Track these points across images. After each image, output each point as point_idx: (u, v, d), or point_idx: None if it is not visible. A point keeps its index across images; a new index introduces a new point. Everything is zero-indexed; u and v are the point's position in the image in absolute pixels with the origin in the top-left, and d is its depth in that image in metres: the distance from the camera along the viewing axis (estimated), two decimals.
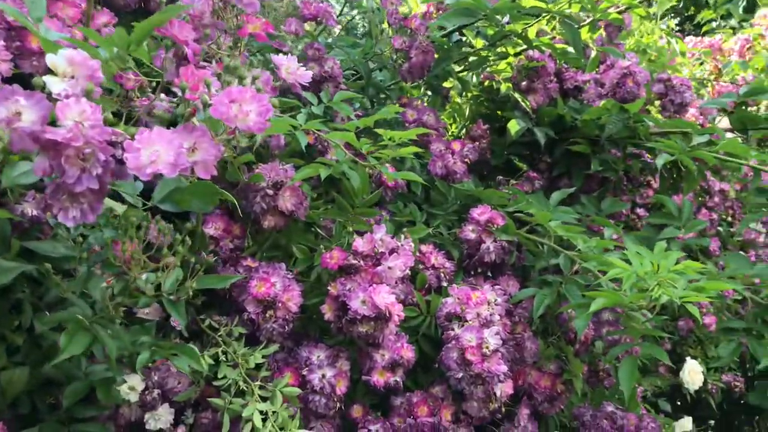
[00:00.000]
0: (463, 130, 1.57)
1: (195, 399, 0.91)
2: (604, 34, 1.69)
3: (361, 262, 0.90)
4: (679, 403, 2.31)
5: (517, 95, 1.52)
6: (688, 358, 2.02)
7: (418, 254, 1.09)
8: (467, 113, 1.59)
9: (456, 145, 1.21)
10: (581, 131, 1.52)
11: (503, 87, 1.51)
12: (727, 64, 2.15)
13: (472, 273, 1.13)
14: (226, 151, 0.66)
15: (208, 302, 0.96)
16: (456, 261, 1.14)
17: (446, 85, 1.67)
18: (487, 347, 0.93)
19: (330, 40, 1.43)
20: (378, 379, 0.92)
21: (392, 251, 0.91)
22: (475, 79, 1.64)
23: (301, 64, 0.81)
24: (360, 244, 0.90)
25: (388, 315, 0.87)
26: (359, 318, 0.86)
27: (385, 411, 1.02)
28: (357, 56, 1.27)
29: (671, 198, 1.34)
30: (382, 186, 1.14)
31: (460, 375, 0.93)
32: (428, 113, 1.26)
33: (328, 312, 0.91)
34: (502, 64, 1.52)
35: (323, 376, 0.91)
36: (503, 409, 1.02)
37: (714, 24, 3.81)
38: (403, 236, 0.97)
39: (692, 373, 1.97)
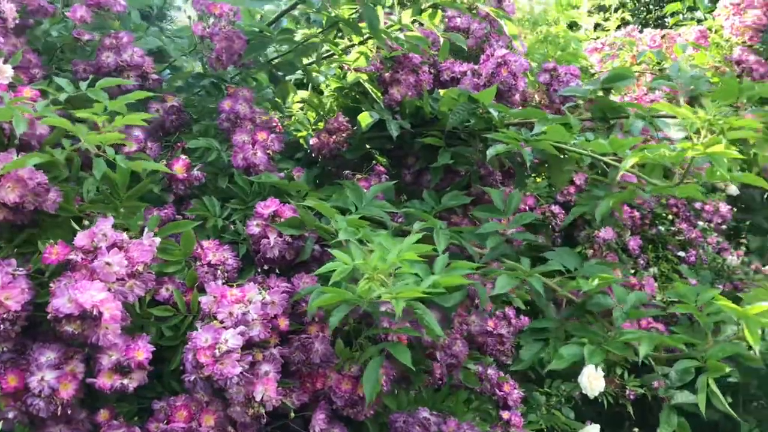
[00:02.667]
0: (320, 123, 1.51)
1: None
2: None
3: (80, 257, 0.85)
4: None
5: (368, 86, 1.45)
6: (591, 365, 1.93)
7: (198, 250, 1.04)
8: (328, 106, 1.53)
9: (261, 136, 1.15)
10: (441, 123, 1.45)
11: (350, 77, 1.44)
12: (641, 54, 2.05)
13: (259, 270, 1.07)
14: None
15: None
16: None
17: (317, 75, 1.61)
18: (220, 348, 0.87)
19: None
20: (104, 381, 0.87)
21: (113, 246, 0.85)
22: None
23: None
24: (79, 237, 0.85)
25: (97, 314, 0.81)
26: (62, 316, 0.81)
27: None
28: (170, 44, 1.22)
29: (502, 190, 1.26)
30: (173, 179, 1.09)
31: (193, 378, 0.87)
32: (241, 103, 1.21)
33: (50, 310, 0.86)
34: (355, 54, 1.45)
35: (42, 378, 0.85)
36: (264, 414, 0.96)
37: (681, 17, 3.68)
38: (145, 231, 0.91)
39: (591, 378, 1.87)
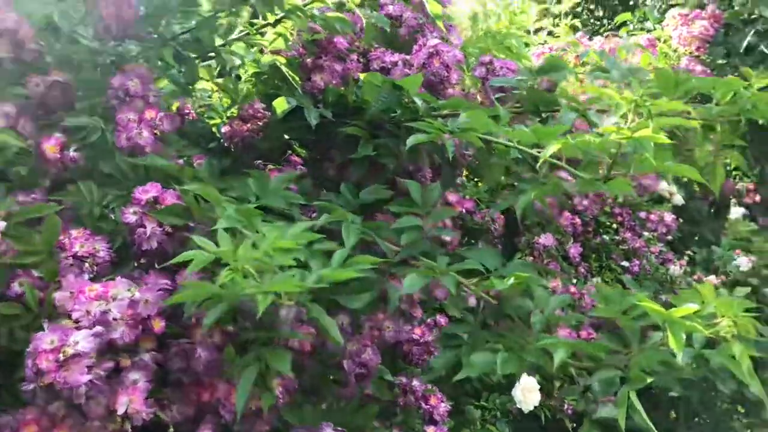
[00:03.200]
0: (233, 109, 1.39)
1: None
2: None
3: None
4: None
5: (286, 70, 1.33)
6: (524, 374, 1.83)
7: (64, 240, 0.90)
8: (245, 92, 1.41)
9: (149, 114, 1.02)
10: (366, 113, 1.34)
11: (265, 59, 1.33)
12: (584, 54, 1.99)
13: (137, 265, 0.94)
14: None
15: None
16: None
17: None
18: (65, 352, 0.73)
19: None
20: None
21: None
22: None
23: None
24: None
25: None
26: None
27: None
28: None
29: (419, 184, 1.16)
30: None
31: (32, 387, 0.74)
32: (133, 79, 1.07)
33: None
34: (272, 34, 1.34)
35: None
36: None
37: (631, 26, 3.67)
38: None
39: (525, 391, 1.78)
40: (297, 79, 1.34)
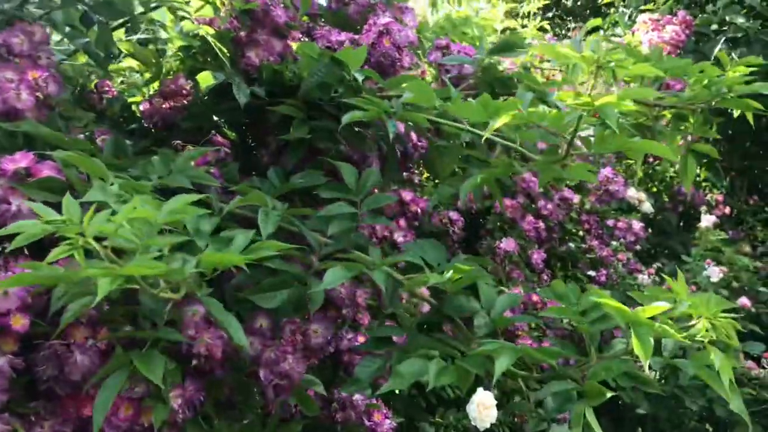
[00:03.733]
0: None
1: None
2: None
3: None
4: None
5: (214, 42, 1.18)
6: (479, 389, 1.69)
7: None
8: (172, 67, 1.26)
9: (32, 74, 0.87)
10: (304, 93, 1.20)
11: (187, 26, 1.18)
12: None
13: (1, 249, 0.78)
14: None
15: None
16: None
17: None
18: None
19: None
20: None
21: None
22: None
23: None
24: None
25: None
26: None
27: None
28: None
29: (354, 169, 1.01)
30: None
31: None
32: (19, 36, 0.92)
33: None
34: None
35: None
36: None
37: (602, 33, 3.59)
38: None
39: (481, 407, 1.64)
40: (228, 54, 1.19)
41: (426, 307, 1.19)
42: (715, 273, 2.08)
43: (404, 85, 0.96)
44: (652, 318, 0.60)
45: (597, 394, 0.62)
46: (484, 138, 0.82)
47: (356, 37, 1.31)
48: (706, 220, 2.29)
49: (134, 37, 1.31)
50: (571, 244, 2.31)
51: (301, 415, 1.13)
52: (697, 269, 2.18)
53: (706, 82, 1.11)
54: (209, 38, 1.17)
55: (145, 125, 1.22)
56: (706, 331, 0.59)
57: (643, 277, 2.03)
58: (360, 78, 1.07)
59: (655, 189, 3.29)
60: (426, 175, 2.08)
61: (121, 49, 1.26)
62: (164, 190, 0.90)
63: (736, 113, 1.30)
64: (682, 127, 1.19)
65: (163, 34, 1.31)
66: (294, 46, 1.11)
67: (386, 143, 1.19)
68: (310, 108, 1.19)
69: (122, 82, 1.33)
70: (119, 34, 1.32)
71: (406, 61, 1.31)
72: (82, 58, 1.35)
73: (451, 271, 0.74)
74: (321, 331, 0.97)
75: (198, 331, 0.84)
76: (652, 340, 0.58)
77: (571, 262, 2.29)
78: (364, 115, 0.97)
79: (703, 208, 2.49)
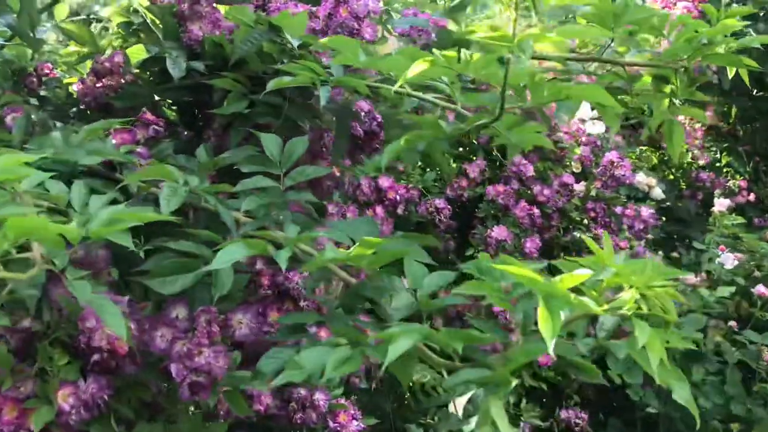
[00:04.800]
0: None
1: None
2: None
3: None
4: None
5: (148, 14, 1.10)
6: None
7: None
8: (108, 43, 1.17)
9: None
10: (248, 66, 1.10)
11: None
12: None
13: None
14: None
15: None
16: None
17: None
18: None
19: None
20: None
21: None
22: None
23: None
24: None
25: None
26: None
27: None
28: None
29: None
30: None
31: None
32: None
33: None
34: None
35: None
36: None
37: None
38: None
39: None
40: (157, 23, 1.11)
41: None
42: (728, 260, 1.92)
43: (323, 40, 0.85)
44: (576, 290, 0.49)
45: (503, 382, 0.51)
46: (396, 87, 0.71)
47: (314, 8, 1.22)
48: (720, 204, 2.14)
49: (77, 18, 1.24)
50: (576, 233, 2.17)
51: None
52: (711, 255, 2.03)
53: (686, 36, 0.99)
54: (141, 10, 1.08)
55: (82, 107, 1.14)
56: (632, 302, 0.48)
57: None
58: (296, 43, 0.97)
59: (672, 176, 3.13)
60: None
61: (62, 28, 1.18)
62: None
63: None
64: (665, 89, 1.06)
65: (104, 12, 1.23)
66: (222, 10, 1.01)
67: (359, 122, 1.08)
68: (254, 82, 1.09)
69: (64, 63, 1.25)
70: (61, 14, 1.25)
71: (368, 32, 1.21)
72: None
73: (360, 247, 0.63)
74: (247, 321, 0.87)
75: (99, 322, 0.76)
76: (562, 315, 0.46)
77: (575, 252, 2.15)
78: (293, 80, 0.87)
79: (717, 192, 2.32)
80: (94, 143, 0.81)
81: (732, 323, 1.83)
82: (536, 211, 1.82)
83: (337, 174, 1.50)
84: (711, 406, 1.75)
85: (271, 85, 0.86)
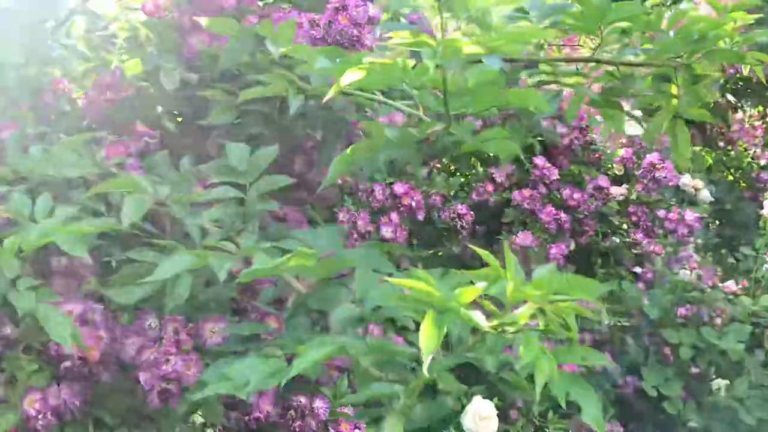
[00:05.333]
0: None
1: None
2: None
3: None
4: None
5: (139, 27, 1.13)
6: (476, 397, 1.54)
7: None
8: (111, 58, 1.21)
9: None
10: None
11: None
12: None
13: None
14: None
15: None
16: None
17: None
18: None
19: None
20: None
21: None
22: None
23: None
24: None
25: None
26: None
27: None
28: None
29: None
30: None
31: None
32: None
33: None
34: None
35: None
36: None
37: None
38: None
39: (478, 418, 1.49)
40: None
41: None
42: None
43: (284, 50, 0.85)
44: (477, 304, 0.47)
45: (405, 408, 0.48)
46: (325, 100, 0.70)
47: (315, 17, 1.23)
48: None
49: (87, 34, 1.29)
50: (615, 239, 2.09)
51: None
52: (760, 261, 1.91)
53: (682, 33, 0.93)
54: (137, 24, 1.11)
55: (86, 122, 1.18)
56: (523, 317, 0.45)
57: (685, 273, 1.80)
58: (276, 53, 0.98)
59: (731, 177, 2.97)
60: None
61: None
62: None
63: None
64: (665, 90, 1.01)
65: (112, 27, 1.27)
66: (203, 22, 1.02)
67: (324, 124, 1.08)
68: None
69: (73, 79, 1.30)
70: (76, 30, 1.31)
71: (368, 39, 1.21)
72: None
73: (294, 257, 0.62)
74: (219, 330, 0.88)
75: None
76: (444, 329, 0.44)
77: (614, 259, 2.07)
78: (265, 90, 0.88)
79: (767, 194, 2.19)
80: (68, 156, 0.84)
81: None
82: (563, 216, 1.76)
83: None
84: (755, 421, 1.65)
85: (243, 95, 0.87)
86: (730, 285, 1.72)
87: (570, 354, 0.48)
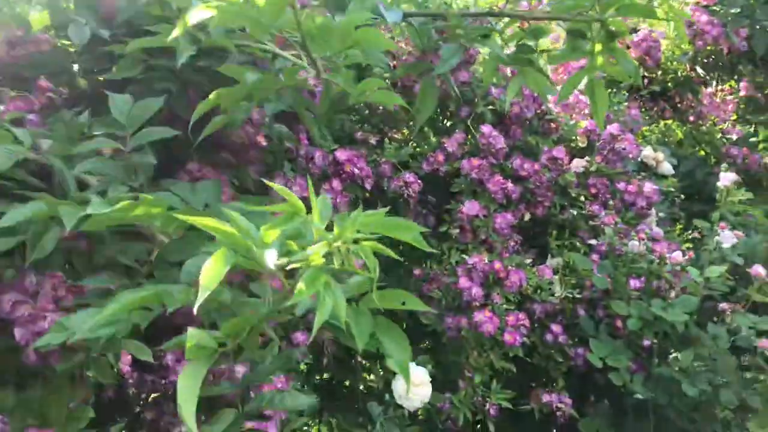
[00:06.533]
0: None
1: None
2: None
3: None
4: None
5: None
6: (413, 364, 1.53)
7: None
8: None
9: None
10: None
11: None
12: None
13: None
14: None
15: None
16: None
17: None
18: None
19: None
20: None
21: None
22: None
23: None
24: None
25: None
26: None
27: None
28: None
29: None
30: None
31: None
32: None
33: None
34: None
35: None
36: None
37: None
38: None
39: (411, 384, 1.48)
40: None
41: None
42: (727, 238, 1.78)
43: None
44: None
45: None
46: (169, 39, 0.67)
47: None
48: (725, 179, 1.98)
49: None
50: (573, 211, 2.07)
51: None
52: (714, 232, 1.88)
53: None
54: None
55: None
56: (317, 255, 0.42)
57: (633, 243, 1.78)
58: (174, 5, 0.94)
59: (702, 151, 2.94)
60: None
61: None
62: None
63: None
64: (583, 48, 0.98)
65: None
66: None
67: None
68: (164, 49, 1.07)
69: None
70: None
71: None
72: None
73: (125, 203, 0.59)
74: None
75: None
76: (227, 267, 0.42)
77: (570, 230, 2.04)
78: (152, 40, 0.84)
79: (723, 166, 2.15)
80: None
81: (723, 305, 1.70)
82: (510, 186, 1.73)
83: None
84: (696, 393, 1.64)
85: (130, 47, 0.84)
86: (677, 256, 1.70)
87: (388, 297, 0.45)
